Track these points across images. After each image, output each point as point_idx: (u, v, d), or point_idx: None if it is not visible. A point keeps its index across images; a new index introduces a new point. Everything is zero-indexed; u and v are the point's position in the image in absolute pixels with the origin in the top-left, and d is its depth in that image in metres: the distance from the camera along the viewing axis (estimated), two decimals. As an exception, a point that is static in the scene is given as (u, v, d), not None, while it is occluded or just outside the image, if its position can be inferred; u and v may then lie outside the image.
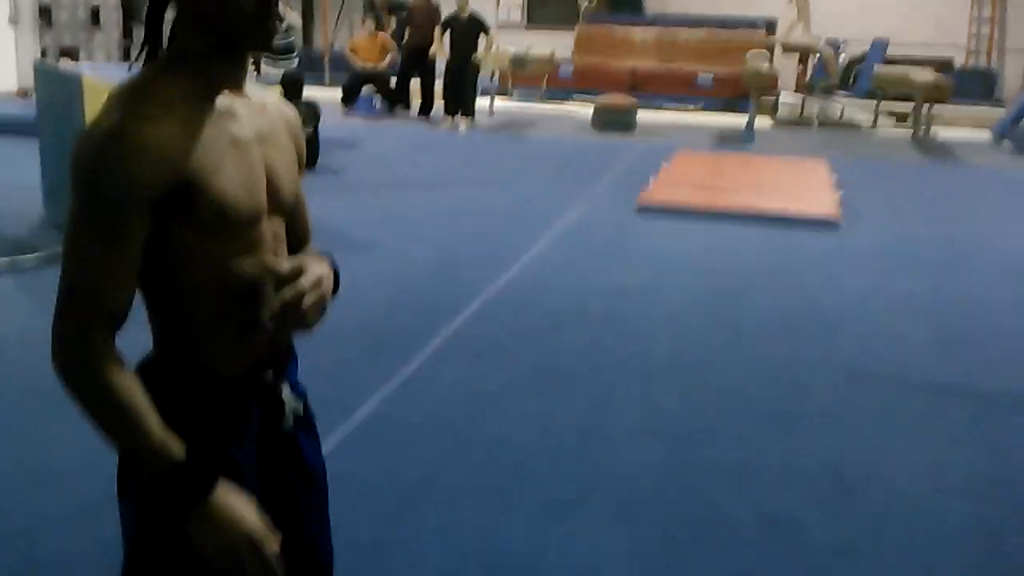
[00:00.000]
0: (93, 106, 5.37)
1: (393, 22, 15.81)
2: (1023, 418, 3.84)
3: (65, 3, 12.75)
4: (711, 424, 3.67)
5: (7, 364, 4.01)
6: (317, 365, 4.12)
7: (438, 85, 11.90)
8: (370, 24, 12.19)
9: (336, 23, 16.24)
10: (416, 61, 12.04)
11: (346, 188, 7.82)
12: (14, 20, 12.29)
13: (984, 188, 8.99)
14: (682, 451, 3.44)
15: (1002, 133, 12.23)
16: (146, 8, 1.37)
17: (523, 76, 13.95)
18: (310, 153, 8.39)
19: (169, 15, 1.34)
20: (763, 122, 12.49)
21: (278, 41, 9.77)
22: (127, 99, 1.26)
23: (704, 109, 13.97)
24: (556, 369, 4.17)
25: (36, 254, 5.31)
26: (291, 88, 8.28)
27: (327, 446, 1.79)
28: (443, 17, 11.70)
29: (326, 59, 14.64)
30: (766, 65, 11.96)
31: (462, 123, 11.49)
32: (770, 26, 15.09)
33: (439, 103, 11.99)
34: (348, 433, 3.44)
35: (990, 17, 16.76)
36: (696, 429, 3.62)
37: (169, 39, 1.34)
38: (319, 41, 15.61)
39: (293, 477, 1.52)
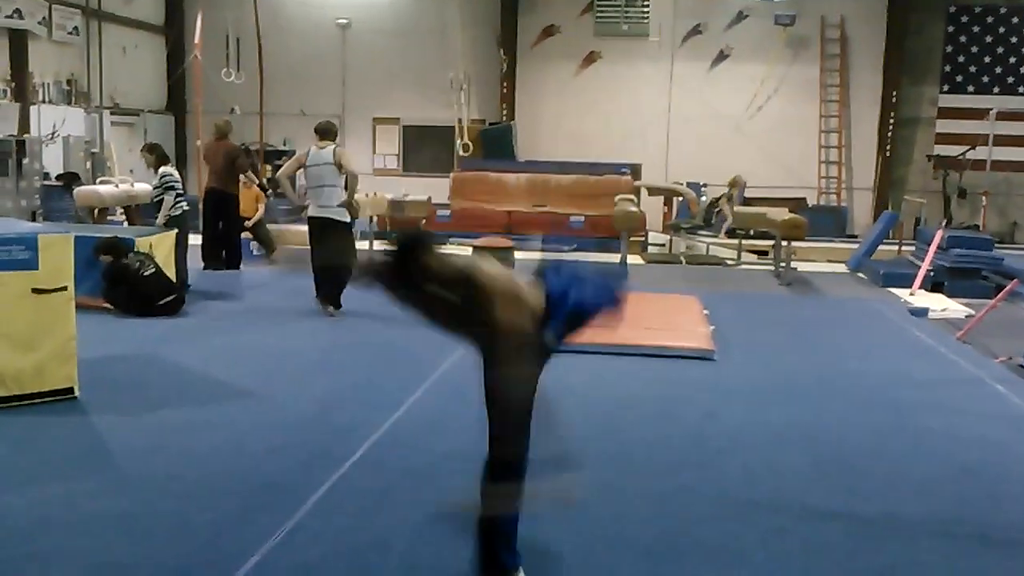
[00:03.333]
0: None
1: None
2: (900, 541, 3.96)
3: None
4: (600, 563, 3.64)
5: None
6: (190, 522, 3.97)
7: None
8: (249, 174, 12.14)
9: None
10: (217, 209, 10.98)
11: (220, 335, 7.66)
12: None
13: (843, 317, 9.46)
14: (576, 592, 3.39)
15: (856, 265, 12.99)
16: None
17: (401, 220, 14.14)
18: (173, 300, 8.30)
19: None
20: (634, 260, 12.93)
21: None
22: None
23: (577, 249, 14.40)
24: (445, 513, 4.08)
25: None
26: (112, 249, 8.23)
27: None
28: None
29: (200, 207, 14.54)
30: (634, 207, 12.48)
31: None
32: (635, 171, 15.82)
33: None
34: (229, 593, 3.28)
35: (837, 160, 18.04)
36: (585, 569, 3.58)
37: None
38: (194, 189, 15.52)
39: None
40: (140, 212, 12.63)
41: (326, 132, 8.73)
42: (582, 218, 14.86)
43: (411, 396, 5.86)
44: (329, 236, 8.52)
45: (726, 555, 3.75)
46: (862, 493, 4.49)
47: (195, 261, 10.26)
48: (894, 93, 17.65)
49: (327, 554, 3.63)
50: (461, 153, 16.44)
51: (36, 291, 5.37)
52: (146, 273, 8.18)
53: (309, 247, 8.82)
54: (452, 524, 3.87)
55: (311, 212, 8.63)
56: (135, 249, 8.36)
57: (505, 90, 18.52)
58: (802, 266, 12.83)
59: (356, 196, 9.01)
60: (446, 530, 3.90)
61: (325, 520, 3.95)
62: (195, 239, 10.57)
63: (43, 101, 15.77)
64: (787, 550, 3.81)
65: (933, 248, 11.54)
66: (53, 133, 15.47)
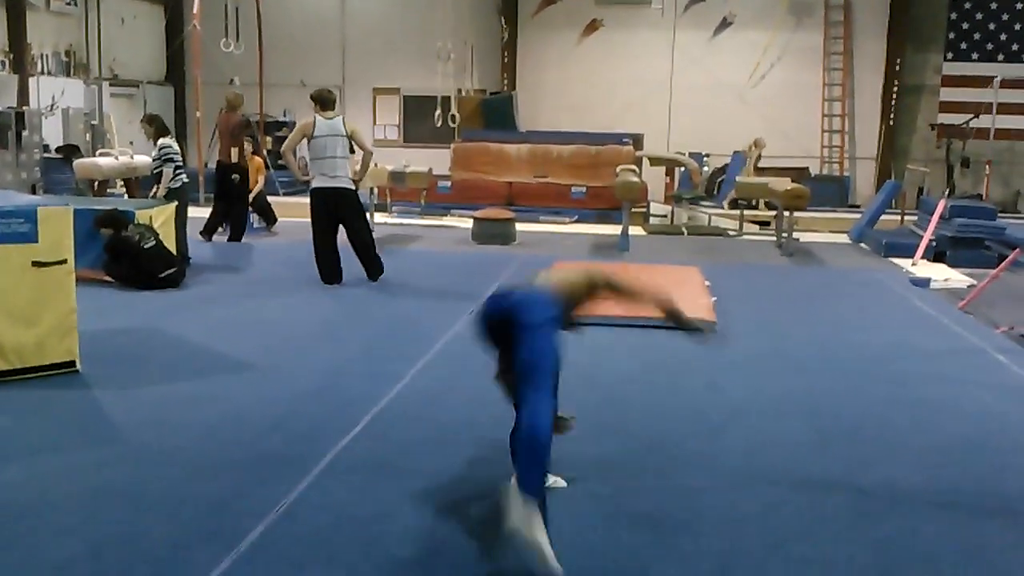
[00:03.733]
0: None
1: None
2: (900, 513, 3.97)
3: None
4: (600, 536, 3.65)
5: None
6: (193, 495, 3.98)
7: None
8: (247, 146, 12.12)
9: (210, 144, 16.22)
10: (220, 181, 11.12)
11: (221, 307, 7.66)
12: None
13: (845, 288, 9.45)
14: (573, 564, 3.40)
15: (859, 235, 12.96)
16: None
17: (402, 192, 14.11)
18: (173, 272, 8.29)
19: None
20: (636, 231, 12.90)
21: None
22: None
23: (579, 220, 14.37)
24: (447, 484, 4.10)
25: None
26: (112, 222, 8.21)
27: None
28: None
29: (201, 179, 14.51)
30: (635, 178, 12.43)
31: None
32: (637, 141, 15.75)
33: None
34: (230, 567, 3.29)
35: (840, 129, 17.96)
36: (587, 541, 3.60)
37: None
38: (194, 161, 15.49)
39: None
40: (140, 184, 12.61)
41: (330, 102, 8.65)
42: (584, 189, 14.81)
43: (413, 367, 5.87)
44: (343, 208, 8.54)
45: (727, 526, 3.76)
46: (863, 464, 4.50)
47: (196, 233, 10.24)
48: (898, 61, 17.55)
49: (330, 526, 3.65)
50: (441, 125, 16.24)
51: (36, 264, 5.36)
52: (147, 246, 8.17)
53: (312, 219, 8.67)
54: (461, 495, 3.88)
55: (320, 183, 8.50)
56: (135, 222, 8.35)
57: (506, 59, 18.42)
58: (804, 236, 12.81)
59: (356, 167, 8.96)
60: (449, 501, 3.92)
61: (328, 492, 3.97)
62: (195, 211, 10.56)
63: (42, 73, 15.72)
64: (788, 521, 3.83)
65: (935, 218, 11.50)
66: (52, 105, 15.42)
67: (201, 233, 10.93)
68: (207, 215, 11.30)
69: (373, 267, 8.77)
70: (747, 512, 3.90)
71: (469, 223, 12.57)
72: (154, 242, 8.25)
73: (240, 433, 4.69)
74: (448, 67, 16.13)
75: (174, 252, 8.64)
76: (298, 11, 18.80)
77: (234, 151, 11.02)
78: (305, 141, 8.62)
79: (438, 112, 16.24)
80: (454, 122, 16.30)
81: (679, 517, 3.84)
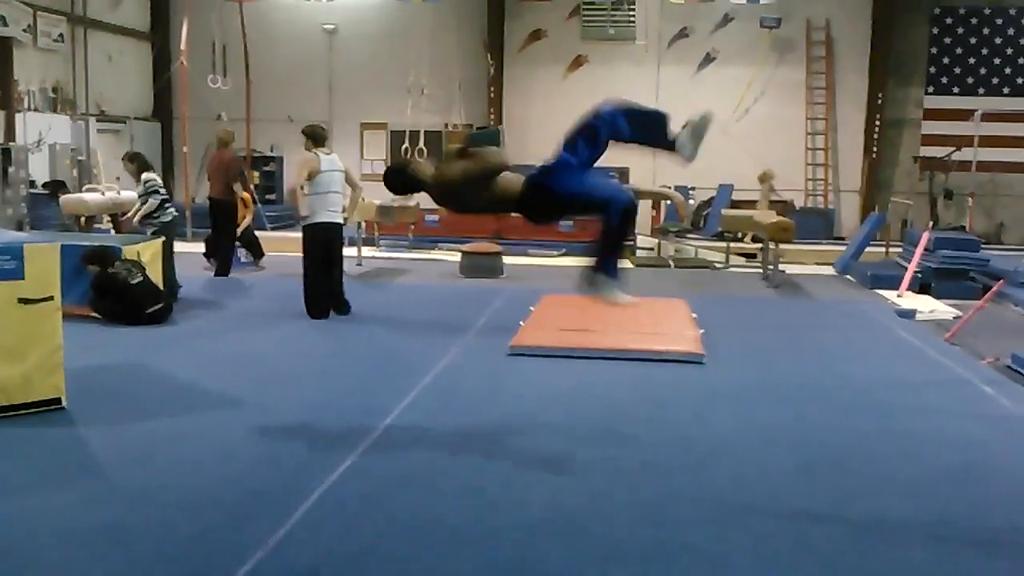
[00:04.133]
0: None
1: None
2: (889, 544, 3.97)
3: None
4: (590, 569, 3.64)
5: None
6: (179, 533, 3.96)
7: None
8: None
9: (197, 178, 16.24)
10: (213, 218, 11.21)
11: (209, 342, 7.64)
12: None
13: (831, 319, 9.49)
14: (567, 599, 3.39)
15: (844, 267, 13.05)
16: None
17: (390, 226, 14.14)
18: (162, 309, 8.26)
19: None
20: (623, 264, 12.91)
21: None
22: None
23: (566, 253, 14.42)
24: (434, 522, 4.08)
25: None
26: (99, 259, 8.21)
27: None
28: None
29: (188, 214, 14.52)
30: (623, 210, 12.47)
31: None
32: (623, 174, 15.82)
33: None
34: (218, 604, 3.27)
35: (824, 163, 18.12)
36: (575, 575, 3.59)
37: None
38: (180, 196, 15.50)
39: None
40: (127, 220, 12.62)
41: (323, 138, 8.83)
42: (571, 222, 14.85)
43: (402, 402, 5.86)
44: (333, 243, 8.73)
45: (716, 559, 3.76)
46: (850, 495, 4.51)
47: (183, 268, 10.23)
48: (880, 95, 17.75)
49: (318, 563, 3.63)
50: (409, 158, 16.40)
51: (22, 301, 5.34)
52: (134, 282, 8.16)
53: (307, 254, 8.61)
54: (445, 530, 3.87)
55: (323, 218, 8.55)
56: (122, 257, 8.34)
57: (492, 94, 18.55)
58: (790, 269, 12.87)
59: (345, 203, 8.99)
60: (438, 537, 3.90)
61: (316, 529, 3.94)
62: (181, 246, 10.55)
63: (29, 109, 15.73)
64: (776, 553, 3.82)
65: (920, 250, 11.59)
66: (39, 141, 15.43)
67: (217, 274, 11.08)
68: (195, 251, 11.30)
69: (343, 303, 8.88)
70: (735, 544, 3.90)
71: (457, 257, 12.60)
72: (141, 278, 8.23)
73: (227, 469, 4.67)
74: (421, 100, 16.24)
75: (161, 288, 8.62)
76: (285, 47, 18.91)
77: (235, 186, 11.11)
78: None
79: (405, 145, 16.38)
80: (422, 156, 16.40)
81: (667, 549, 3.83)
